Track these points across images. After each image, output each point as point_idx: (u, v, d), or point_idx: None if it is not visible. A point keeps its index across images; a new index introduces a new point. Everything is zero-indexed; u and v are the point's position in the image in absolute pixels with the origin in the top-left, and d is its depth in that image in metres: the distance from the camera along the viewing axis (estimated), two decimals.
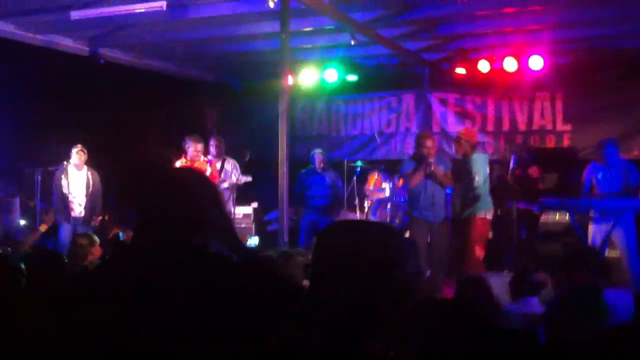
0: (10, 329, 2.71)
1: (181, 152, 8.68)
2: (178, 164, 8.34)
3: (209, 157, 8.93)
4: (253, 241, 9.40)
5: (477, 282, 4.54)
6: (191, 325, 1.70)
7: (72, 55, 9.59)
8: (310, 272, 1.76)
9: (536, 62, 9.57)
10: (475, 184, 7.43)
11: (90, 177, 8.85)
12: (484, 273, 7.24)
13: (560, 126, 10.41)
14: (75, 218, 8.78)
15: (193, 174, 2.09)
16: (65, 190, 8.71)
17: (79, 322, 1.83)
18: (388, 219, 10.35)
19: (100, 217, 9.15)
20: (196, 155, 8.55)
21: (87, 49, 9.68)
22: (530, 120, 10.58)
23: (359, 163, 10.71)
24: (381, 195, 10.44)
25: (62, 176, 8.74)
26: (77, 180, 8.82)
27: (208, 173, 8.22)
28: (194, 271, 1.78)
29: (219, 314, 1.71)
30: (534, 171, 9.31)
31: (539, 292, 4.57)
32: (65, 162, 8.76)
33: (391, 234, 1.76)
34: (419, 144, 7.68)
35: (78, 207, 8.78)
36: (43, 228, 6.34)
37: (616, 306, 3.90)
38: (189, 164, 8.29)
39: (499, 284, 6.11)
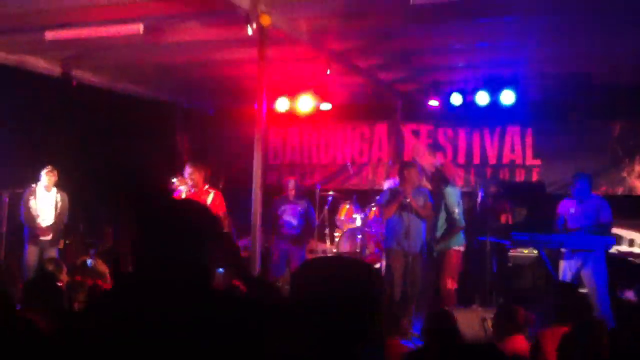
0: None
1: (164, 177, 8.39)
2: (183, 189, 8.07)
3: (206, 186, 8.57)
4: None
5: (443, 316, 4.49)
6: None
7: (43, 76, 9.46)
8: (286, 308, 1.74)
9: (508, 97, 9.69)
10: (456, 217, 7.48)
11: (59, 199, 8.69)
12: (452, 306, 7.26)
13: (530, 160, 10.56)
14: (42, 240, 8.59)
15: (194, 205, 2.03)
16: (33, 212, 8.54)
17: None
18: (358, 249, 10.33)
19: (64, 241, 8.95)
20: (200, 183, 8.22)
21: (59, 70, 9.55)
22: (500, 154, 10.71)
23: (330, 192, 10.70)
24: (352, 226, 10.43)
25: (30, 197, 8.57)
26: (45, 202, 8.65)
27: (210, 202, 8.01)
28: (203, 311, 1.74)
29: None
30: (503, 206, 9.38)
31: (525, 330, 4.57)
32: (33, 185, 8.59)
33: (363, 270, 1.74)
34: (399, 173, 7.72)
35: (46, 230, 8.59)
36: None
37: None
38: (192, 191, 8.01)
39: (469, 318, 6.13)
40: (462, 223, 7.57)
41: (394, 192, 7.70)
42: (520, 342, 4.44)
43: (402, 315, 6.98)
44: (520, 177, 10.65)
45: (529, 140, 10.56)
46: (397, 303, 7.30)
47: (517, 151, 10.64)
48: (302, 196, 10.03)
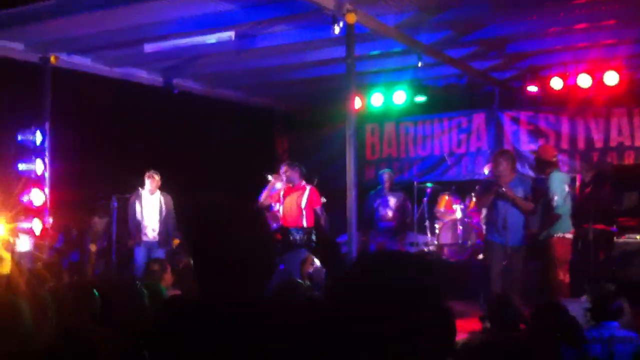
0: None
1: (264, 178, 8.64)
2: (279, 185, 8.38)
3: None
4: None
5: (554, 309, 4.35)
6: None
7: (146, 87, 9.91)
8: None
9: (612, 78, 9.30)
10: (555, 204, 7.12)
11: (162, 201, 9.07)
12: (563, 299, 6.97)
13: (639, 142, 10.05)
14: (149, 242, 9.01)
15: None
16: (138, 216, 8.97)
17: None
18: (460, 241, 10.20)
19: (177, 241, 9.34)
20: (295, 179, 8.43)
21: (160, 79, 9.98)
22: (607, 137, 10.26)
23: (428, 184, 10.60)
24: (452, 217, 10.30)
25: (136, 201, 9.01)
26: (150, 205, 9.05)
27: (306, 196, 8.25)
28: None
29: None
30: (604, 191, 8.94)
31: (619, 318, 4.39)
32: (139, 189, 9.03)
33: (424, 265, 1.72)
34: (493, 163, 7.51)
35: (152, 232, 9.00)
36: (93, 247, 6.48)
37: None
38: (287, 186, 8.33)
39: (577, 311, 5.89)
40: (562, 210, 7.17)
41: (488, 182, 7.52)
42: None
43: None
44: (629, 159, 10.16)
45: (637, 121, 10.05)
46: (496, 299, 7.09)
47: (625, 133, 10.15)
48: (398, 189, 10.02)
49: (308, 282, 6.08)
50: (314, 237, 7.76)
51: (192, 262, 2.09)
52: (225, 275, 1.96)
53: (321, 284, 6.86)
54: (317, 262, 7.02)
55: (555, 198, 7.11)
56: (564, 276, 7.11)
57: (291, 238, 7.90)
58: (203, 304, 1.95)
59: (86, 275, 6.29)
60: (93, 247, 6.47)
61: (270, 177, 8.33)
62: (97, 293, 3.38)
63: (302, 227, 8.06)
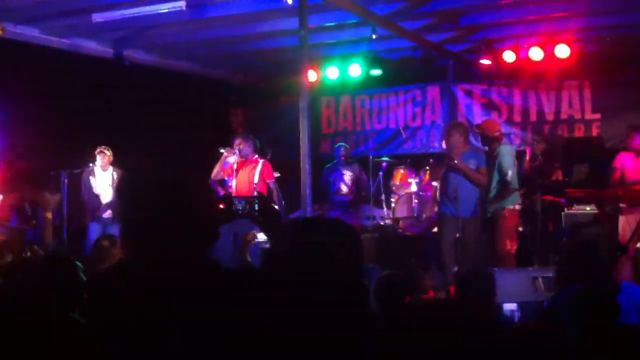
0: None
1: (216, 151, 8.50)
2: (232, 159, 8.23)
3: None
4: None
5: (477, 275, 4.38)
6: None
7: (96, 58, 9.69)
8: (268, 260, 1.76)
9: (563, 51, 9.40)
10: (509, 178, 7.23)
11: (115, 177, 8.93)
12: (511, 267, 7.11)
13: (589, 115, 10.22)
14: (103, 218, 8.88)
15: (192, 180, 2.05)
16: (94, 191, 8.84)
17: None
18: (415, 214, 10.27)
19: None
20: (249, 153, 8.31)
21: (111, 51, 9.77)
22: (558, 110, 10.41)
23: (384, 158, 10.63)
24: (407, 191, 10.36)
25: (90, 177, 8.86)
26: (103, 181, 8.92)
27: (258, 171, 8.16)
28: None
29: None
30: (552, 163, 9.08)
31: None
32: (90, 164, 8.87)
33: (344, 230, 1.73)
34: (446, 135, 7.56)
35: (105, 207, 8.87)
36: (48, 215, 6.32)
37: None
38: (240, 160, 8.19)
39: (524, 279, 6.01)
40: (516, 185, 7.31)
41: (441, 155, 7.58)
42: None
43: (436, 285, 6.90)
44: (579, 132, 10.33)
45: (587, 94, 10.21)
46: (445, 267, 7.20)
47: (575, 106, 10.31)
48: (353, 162, 10.03)
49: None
50: (256, 207, 7.59)
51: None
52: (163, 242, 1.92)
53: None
54: (259, 236, 6.90)
55: (510, 173, 7.21)
56: (511, 246, 7.27)
57: (233, 208, 7.74)
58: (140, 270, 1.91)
59: (47, 245, 6.20)
60: (48, 215, 6.32)
61: (223, 151, 8.22)
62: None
63: (245, 197, 7.83)
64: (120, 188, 2.05)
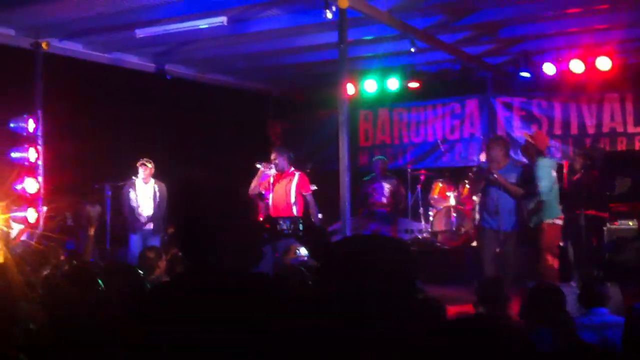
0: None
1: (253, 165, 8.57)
2: (271, 172, 8.27)
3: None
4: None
5: (547, 291, 4.34)
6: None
7: (138, 72, 9.85)
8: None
9: (604, 63, 9.30)
10: (541, 189, 7.15)
11: (157, 189, 9.04)
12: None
13: (631, 128, 10.07)
14: (144, 230, 8.99)
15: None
16: (133, 203, 8.95)
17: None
18: (454, 228, 10.21)
19: (172, 229, 9.30)
20: (284, 166, 8.27)
21: (152, 65, 9.92)
22: (599, 123, 10.28)
23: (422, 172, 10.61)
24: (446, 204, 10.31)
25: (130, 189, 8.99)
26: (144, 194, 9.03)
27: (295, 183, 8.20)
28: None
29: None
30: (591, 176, 8.92)
31: (607, 302, 4.41)
32: (133, 177, 8.99)
33: (398, 247, 1.75)
34: (486, 149, 7.54)
35: (146, 219, 8.99)
36: (91, 232, 6.40)
37: None
38: (277, 174, 8.22)
39: (567, 295, 5.91)
40: (544, 197, 7.19)
41: (482, 169, 7.54)
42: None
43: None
44: (622, 145, 10.18)
45: (629, 106, 10.07)
46: (489, 282, 7.12)
47: (617, 119, 10.17)
48: (391, 175, 10.01)
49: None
50: (301, 227, 7.62)
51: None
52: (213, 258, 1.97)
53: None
54: (302, 251, 6.94)
55: (540, 184, 7.13)
56: (552, 261, 7.18)
57: (278, 228, 7.74)
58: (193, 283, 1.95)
59: (86, 260, 6.26)
60: (91, 231, 6.41)
61: (259, 166, 8.25)
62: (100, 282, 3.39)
63: (289, 217, 7.86)
64: (182, 197, 2.11)
